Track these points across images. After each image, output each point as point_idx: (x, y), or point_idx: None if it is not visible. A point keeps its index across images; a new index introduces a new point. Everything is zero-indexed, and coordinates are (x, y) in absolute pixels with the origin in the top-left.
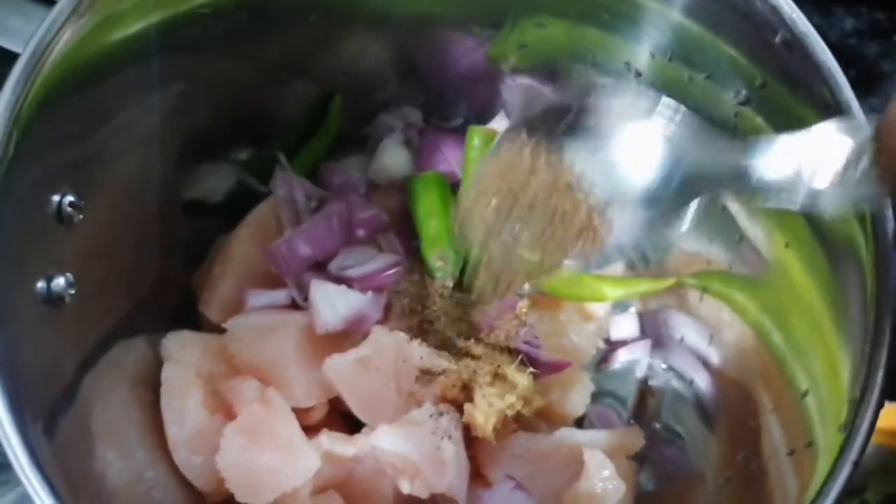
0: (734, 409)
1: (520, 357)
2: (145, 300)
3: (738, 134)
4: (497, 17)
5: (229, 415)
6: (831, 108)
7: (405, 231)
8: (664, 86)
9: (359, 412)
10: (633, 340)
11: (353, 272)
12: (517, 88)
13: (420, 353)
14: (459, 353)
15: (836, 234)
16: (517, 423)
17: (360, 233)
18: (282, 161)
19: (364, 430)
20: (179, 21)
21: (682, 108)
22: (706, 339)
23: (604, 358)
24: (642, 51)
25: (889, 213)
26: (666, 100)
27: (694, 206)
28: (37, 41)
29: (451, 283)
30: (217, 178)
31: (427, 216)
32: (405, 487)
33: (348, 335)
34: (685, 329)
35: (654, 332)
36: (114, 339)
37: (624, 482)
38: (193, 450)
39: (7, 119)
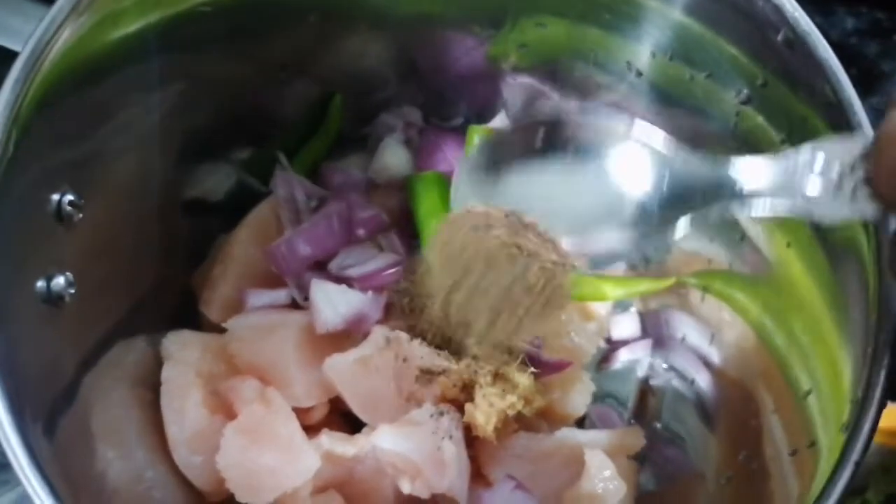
0: (735, 408)
1: (520, 357)
2: (145, 300)
3: (736, 135)
4: (497, 16)
5: (229, 414)
6: (833, 107)
7: (406, 230)
8: (665, 85)
9: (359, 412)
10: (634, 340)
11: (353, 272)
12: (517, 88)
13: (421, 352)
14: (460, 353)
15: (837, 234)
16: (518, 422)
17: (361, 232)
18: (282, 161)
19: (364, 429)
20: (179, 20)
21: (660, 130)
22: (707, 338)
23: (605, 358)
24: (643, 50)
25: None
26: (640, 122)
27: (684, 222)
28: (36, 40)
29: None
30: (217, 177)
31: (427, 216)
32: (406, 487)
33: (349, 335)
34: (686, 329)
35: (655, 331)
36: (114, 338)
37: (625, 482)
38: (193, 449)
39: (6, 118)
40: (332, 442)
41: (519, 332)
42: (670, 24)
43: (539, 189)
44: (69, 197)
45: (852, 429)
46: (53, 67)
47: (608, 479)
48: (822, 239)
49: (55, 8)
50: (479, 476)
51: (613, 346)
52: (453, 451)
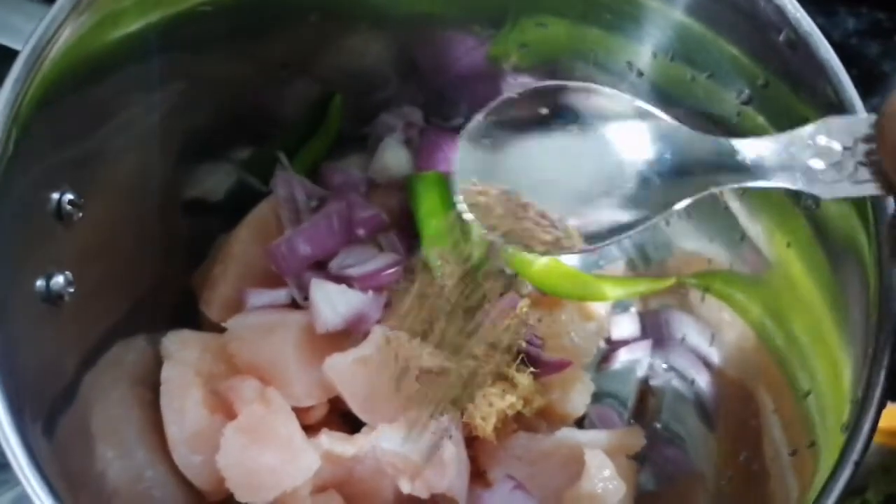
0: (735, 409)
1: (520, 357)
2: (145, 299)
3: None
4: (498, 16)
5: (229, 414)
6: (835, 108)
7: (406, 230)
8: (666, 85)
9: (359, 412)
10: (634, 340)
11: (353, 271)
12: (518, 88)
13: (420, 352)
14: (459, 353)
15: (837, 234)
16: (517, 422)
17: (361, 232)
18: (282, 160)
19: (364, 429)
20: (180, 19)
21: (659, 111)
22: (707, 338)
23: (604, 358)
24: (644, 50)
25: (892, 212)
26: (640, 103)
27: (684, 203)
28: (37, 38)
29: (451, 283)
30: (217, 177)
31: (428, 215)
32: (405, 487)
33: (348, 334)
34: (686, 329)
35: (654, 331)
36: (113, 338)
37: (624, 482)
38: (193, 449)
39: (7, 116)
40: (332, 442)
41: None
42: (671, 24)
43: (540, 161)
44: (69, 196)
45: (852, 429)
46: (54, 66)
47: (608, 479)
48: (823, 239)
49: (56, 7)
50: (478, 476)
51: (613, 346)
52: (453, 451)
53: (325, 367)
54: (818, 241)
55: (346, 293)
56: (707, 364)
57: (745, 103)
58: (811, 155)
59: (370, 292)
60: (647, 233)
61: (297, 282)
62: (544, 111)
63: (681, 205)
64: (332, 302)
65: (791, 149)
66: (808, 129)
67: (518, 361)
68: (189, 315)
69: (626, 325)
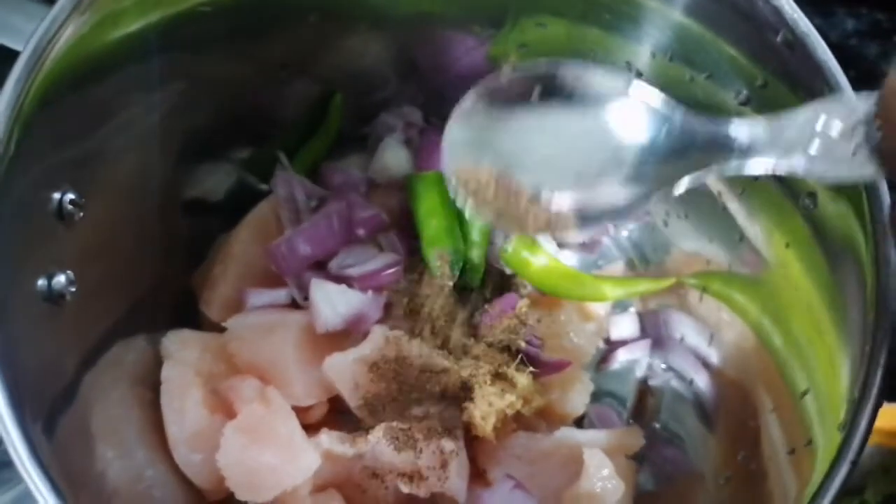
0: (734, 408)
1: (520, 356)
2: (145, 299)
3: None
4: (497, 16)
5: (229, 413)
6: None
7: (405, 230)
8: (665, 85)
9: (359, 411)
10: (633, 340)
11: (353, 271)
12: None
13: (420, 352)
14: (459, 353)
15: (835, 234)
16: (517, 422)
17: (361, 232)
18: (282, 160)
19: (363, 428)
20: (180, 20)
21: (657, 90)
22: (706, 338)
23: (604, 358)
24: (643, 50)
25: (888, 211)
26: (639, 82)
27: (684, 180)
28: (38, 38)
29: (451, 283)
30: (217, 177)
31: (427, 215)
32: (405, 487)
33: (348, 334)
34: (685, 329)
35: (653, 331)
36: (113, 337)
37: (623, 481)
38: (193, 448)
39: (8, 117)
40: (332, 441)
41: None
42: (670, 24)
43: (534, 140)
44: (70, 196)
45: (849, 428)
46: (55, 66)
47: (607, 479)
48: (821, 239)
49: (57, 7)
50: (478, 475)
51: (612, 346)
52: (452, 451)
53: (325, 367)
54: (816, 241)
55: (346, 293)
56: (706, 364)
57: (744, 104)
58: (809, 137)
59: (370, 292)
60: (646, 233)
61: (297, 282)
62: (537, 92)
63: (677, 186)
64: (332, 302)
65: (789, 130)
66: (807, 110)
67: (517, 361)
68: (189, 315)
69: (625, 326)
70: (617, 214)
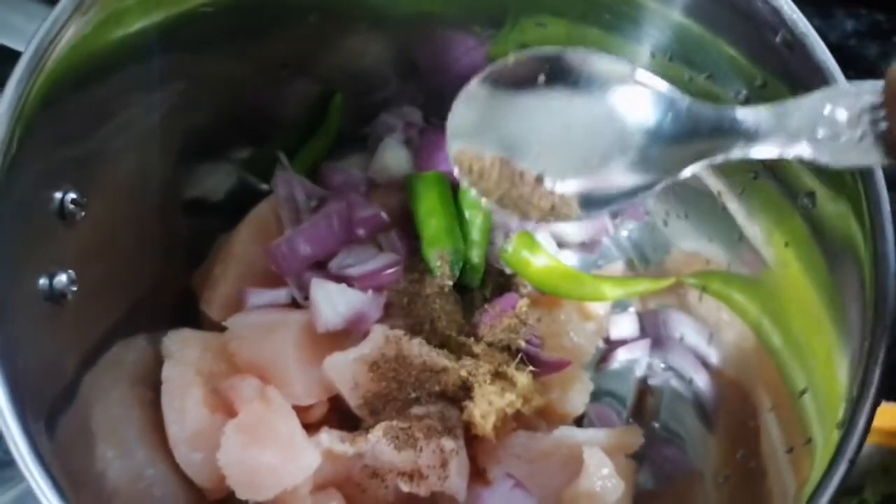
0: (733, 408)
1: (519, 356)
2: (145, 299)
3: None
4: (497, 16)
5: (230, 413)
6: None
7: (405, 230)
8: None
9: (359, 410)
10: (633, 340)
11: (353, 271)
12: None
13: (420, 351)
14: (459, 352)
15: (834, 233)
16: (517, 421)
17: (361, 232)
18: (282, 160)
19: (364, 428)
20: (181, 20)
21: (660, 79)
22: (705, 338)
23: (603, 357)
24: (643, 50)
25: (887, 211)
26: (640, 69)
27: (690, 166)
28: (40, 38)
29: (451, 282)
30: (217, 176)
31: (427, 215)
32: (405, 486)
33: (348, 334)
34: (684, 328)
35: (653, 331)
36: (114, 337)
37: (623, 480)
38: (194, 447)
39: (10, 117)
40: (332, 440)
41: None
42: (670, 24)
43: (538, 125)
44: (72, 195)
45: (847, 426)
46: (57, 66)
47: (606, 477)
48: (820, 238)
49: (59, 7)
50: (478, 474)
51: (612, 345)
52: (452, 450)
53: (326, 366)
54: (815, 240)
55: (347, 293)
56: (705, 363)
57: (743, 104)
58: (815, 123)
59: (370, 292)
60: (645, 233)
61: (297, 281)
62: (542, 77)
63: (683, 173)
64: (333, 301)
65: (795, 117)
66: (813, 97)
67: (517, 360)
68: (189, 314)
69: (624, 325)
70: (622, 200)
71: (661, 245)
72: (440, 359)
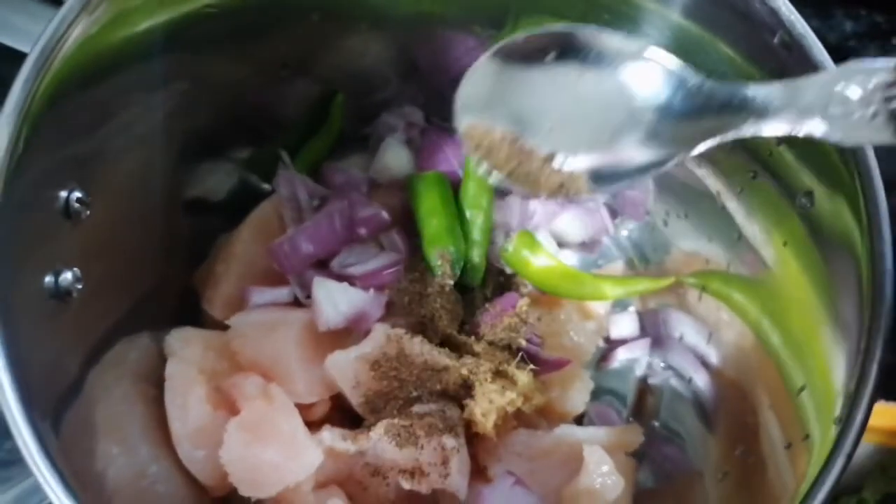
0: (732, 406)
1: (520, 354)
2: (148, 297)
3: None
4: (498, 16)
5: (232, 410)
6: None
7: (407, 229)
8: None
9: (360, 408)
10: (633, 339)
11: (354, 270)
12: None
13: (421, 350)
14: (460, 351)
15: (832, 230)
16: (517, 420)
17: (362, 231)
18: (284, 159)
19: (365, 426)
20: (186, 20)
21: (671, 55)
22: (705, 337)
23: (603, 356)
24: None
25: (884, 209)
26: (652, 46)
27: (700, 143)
28: (47, 37)
29: (451, 282)
30: (218, 176)
31: (428, 215)
32: (406, 483)
33: (350, 332)
34: (684, 328)
35: (653, 330)
36: (117, 335)
37: (623, 478)
38: (197, 445)
39: (17, 115)
40: (334, 438)
41: None
42: (669, 25)
43: (549, 101)
44: (77, 194)
45: (845, 421)
46: (63, 65)
47: (606, 475)
48: (818, 236)
49: (66, 7)
50: (478, 472)
51: (612, 344)
52: (454, 448)
53: (327, 365)
54: (813, 238)
55: (348, 291)
56: (704, 362)
57: None
58: (828, 100)
59: (371, 290)
60: (645, 233)
61: (299, 280)
62: (553, 54)
63: (694, 150)
64: (334, 300)
65: (807, 94)
66: (826, 74)
67: (518, 359)
68: (192, 313)
69: (624, 324)
70: (632, 176)
71: (660, 245)
72: (441, 357)
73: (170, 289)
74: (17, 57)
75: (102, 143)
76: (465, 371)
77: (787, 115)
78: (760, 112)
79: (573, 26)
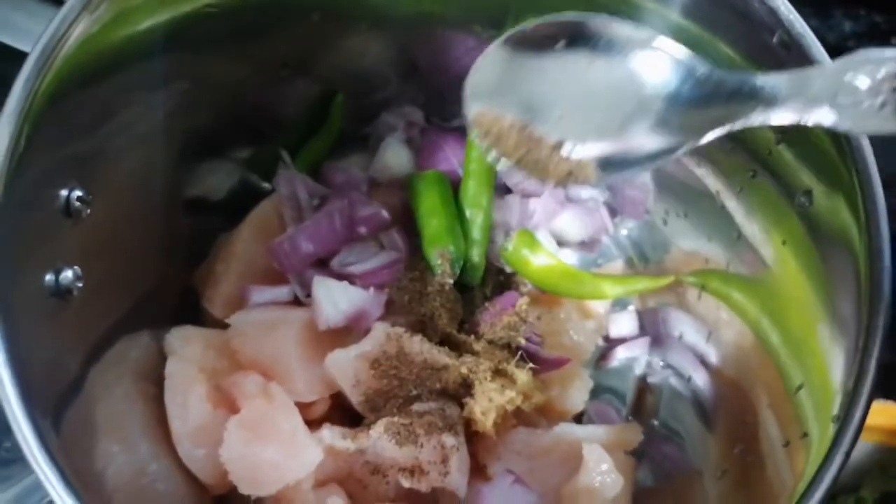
0: (731, 404)
1: (519, 353)
2: (149, 296)
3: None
4: (498, 16)
5: (232, 409)
6: None
7: (406, 228)
8: None
9: (360, 407)
10: (633, 338)
11: (354, 269)
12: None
13: (421, 348)
14: (460, 349)
15: (830, 228)
16: (517, 418)
17: (362, 230)
18: (285, 158)
19: (365, 424)
20: (187, 19)
21: (680, 45)
22: (704, 336)
23: (603, 355)
24: None
25: (882, 207)
26: (661, 35)
27: (709, 132)
28: (48, 37)
29: (451, 281)
30: (218, 175)
31: (428, 214)
32: (406, 481)
33: (350, 331)
34: (683, 326)
35: (652, 329)
36: (118, 334)
37: (622, 476)
38: (197, 443)
39: (18, 114)
40: (334, 436)
41: None
42: (668, 25)
43: (559, 90)
44: (77, 193)
45: (843, 419)
46: (65, 64)
47: (606, 473)
48: (816, 235)
49: (68, 5)
50: (478, 470)
51: (612, 343)
52: (453, 446)
53: (327, 363)
54: (812, 237)
55: (348, 290)
56: (704, 361)
57: None
58: (836, 89)
59: (371, 289)
60: (645, 232)
61: (299, 279)
62: (562, 42)
63: (703, 138)
64: (334, 299)
65: (815, 83)
66: (835, 64)
67: (517, 358)
68: (192, 312)
69: (624, 323)
70: (640, 164)
71: (660, 244)
72: (441, 356)
73: (170, 287)
74: (16, 55)
75: (103, 142)
76: (464, 370)
77: (795, 103)
78: (769, 101)
79: (583, 15)
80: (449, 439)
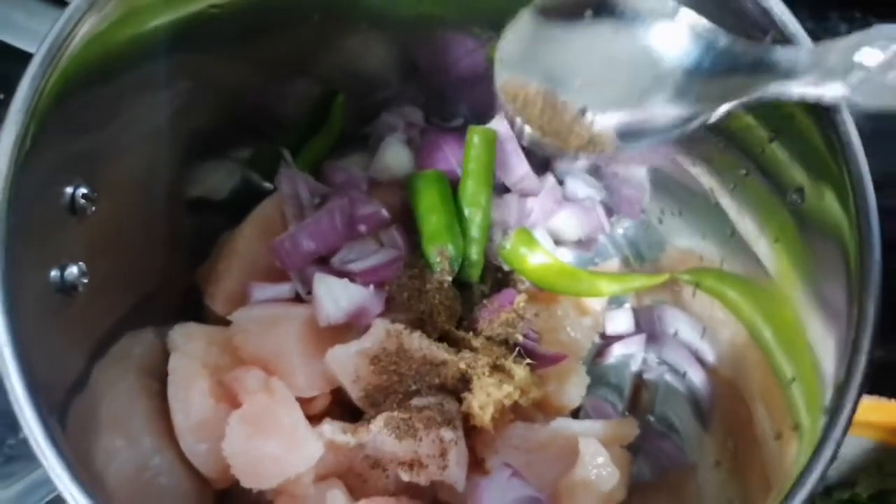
0: (726, 399)
1: (517, 349)
2: (152, 293)
3: (723, 133)
4: (497, 18)
5: (234, 404)
6: (818, 105)
7: (406, 227)
8: None
9: (360, 402)
10: (629, 335)
11: (355, 266)
12: None
13: (420, 344)
14: (459, 346)
15: (822, 224)
16: (515, 413)
17: (362, 228)
18: (286, 157)
19: (365, 419)
20: (191, 20)
21: (706, 19)
22: (699, 333)
23: (599, 352)
24: None
25: (872, 203)
26: (686, 10)
27: (725, 108)
28: (54, 35)
29: (450, 278)
30: (220, 175)
31: (427, 212)
32: (405, 475)
33: (350, 327)
34: (679, 324)
35: (648, 326)
36: (122, 330)
37: (618, 470)
38: (199, 437)
39: (25, 112)
40: (334, 431)
41: None
42: None
43: (583, 60)
44: (83, 190)
45: (834, 411)
46: (70, 63)
47: (601, 466)
48: (807, 232)
49: (73, 6)
50: (476, 464)
51: (608, 340)
52: (452, 440)
53: (328, 359)
54: (803, 234)
55: (348, 287)
56: (699, 358)
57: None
58: (850, 65)
59: (371, 287)
60: (640, 230)
61: (300, 276)
62: (589, 11)
63: (719, 110)
64: (335, 296)
65: (829, 57)
66: (848, 40)
67: (515, 354)
68: (195, 308)
69: (620, 321)
70: (658, 134)
71: (655, 242)
72: (440, 352)
73: (173, 285)
74: (17, 53)
75: (108, 141)
76: (463, 365)
77: (811, 76)
78: (787, 73)
79: None
80: (448, 433)
